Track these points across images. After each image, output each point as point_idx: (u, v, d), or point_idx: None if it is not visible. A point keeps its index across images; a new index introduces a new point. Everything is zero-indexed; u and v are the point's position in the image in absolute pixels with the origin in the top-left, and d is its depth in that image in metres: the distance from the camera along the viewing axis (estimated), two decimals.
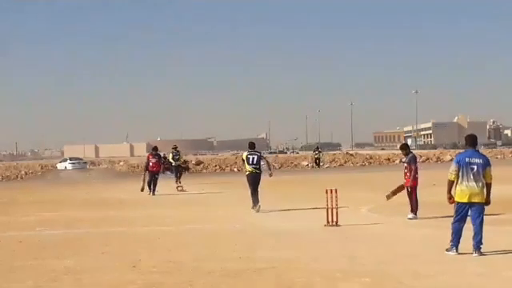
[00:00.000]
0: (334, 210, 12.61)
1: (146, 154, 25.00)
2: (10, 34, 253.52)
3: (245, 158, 16.55)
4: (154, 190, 22.57)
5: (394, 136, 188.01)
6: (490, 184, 9.30)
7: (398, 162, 51.46)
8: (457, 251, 9.23)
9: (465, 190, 9.15)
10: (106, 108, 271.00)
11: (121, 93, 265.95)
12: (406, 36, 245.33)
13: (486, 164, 9.23)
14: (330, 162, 53.04)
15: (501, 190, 20.30)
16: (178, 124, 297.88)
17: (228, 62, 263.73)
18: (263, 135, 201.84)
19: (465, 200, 9.16)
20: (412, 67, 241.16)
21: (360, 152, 75.05)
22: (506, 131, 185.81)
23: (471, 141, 9.39)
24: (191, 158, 58.40)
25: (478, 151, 9.44)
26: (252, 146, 16.76)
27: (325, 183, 17.43)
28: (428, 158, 55.06)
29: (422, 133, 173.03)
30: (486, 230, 11.52)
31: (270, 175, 16.97)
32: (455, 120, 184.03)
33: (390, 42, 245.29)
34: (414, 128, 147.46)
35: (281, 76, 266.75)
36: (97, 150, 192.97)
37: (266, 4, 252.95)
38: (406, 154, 14.09)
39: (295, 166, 50.99)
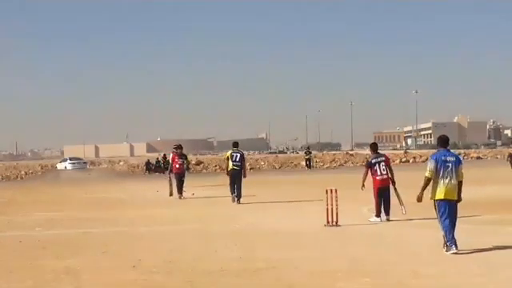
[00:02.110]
0: (334, 210, 12.60)
1: (172, 154, 21.47)
2: (9, 33, 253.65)
3: (229, 156, 18.01)
4: (180, 191, 20.68)
5: (394, 136, 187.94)
6: (462, 182, 9.67)
7: (397, 161, 51.57)
8: (456, 248, 9.29)
9: (442, 188, 9.48)
10: (106, 108, 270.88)
11: (121, 93, 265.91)
12: (406, 36, 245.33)
13: (459, 162, 9.67)
14: (330, 162, 53.10)
15: (500, 191, 20.32)
16: (178, 124, 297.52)
17: (228, 62, 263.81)
18: (263, 135, 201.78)
19: (442, 197, 9.49)
20: (412, 67, 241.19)
21: (360, 152, 75.15)
22: (506, 131, 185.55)
23: (443, 141, 9.85)
24: (191, 158, 58.42)
25: (449, 150, 9.86)
26: (236, 145, 18.25)
27: (325, 183, 17.43)
28: (427, 158, 55.02)
29: (422, 133, 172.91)
30: (486, 230, 11.58)
31: (244, 176, 18.11)
32: (455, 120, 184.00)
33: (390, 42, 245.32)
34: (414, 128, 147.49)
35: (281, 76, 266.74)
36: (97, 150, 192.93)
37: (266, 3, 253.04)
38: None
39: (295, 165, 51.04)
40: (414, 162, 54.54)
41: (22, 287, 8.03)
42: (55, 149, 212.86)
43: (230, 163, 17.95)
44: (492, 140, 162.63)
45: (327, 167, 49.79)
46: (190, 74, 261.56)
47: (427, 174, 9.62)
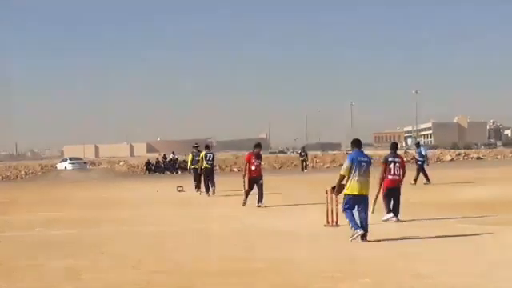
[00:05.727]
0: (334, 210, 12.59)
1: (247, 154, 18.40)
2: (8, 33, 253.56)
3: (203, 156, 21.88)
4: (261, 199, 17.38)
5: (394, 136, 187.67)
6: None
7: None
8: (360, 230, 10.51)
9: (356, 184, 10.70)
10: (106, 108, 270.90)
11: (120, 93, 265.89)
12: (406, 36, 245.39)
13: (370, 162, 11.07)
14: (330, 162, 53.06)
15: (502, 191, 20.29)
16: (177, 124, 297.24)
17: (228, 62, 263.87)
18: (263, 135, 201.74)
19: (356, 192, 10.72)
20: (412, 67, 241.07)
21: None
22: (506, 131, 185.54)
23: (357, 144, 11.14)
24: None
25: (362, 152, 11.12)
26: (207, 147, 22.91)
27: (324, 183, 17.41)
28: (428, 158, 55.06)
29: (422, 133, 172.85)
30: (487, 230, 11.57)
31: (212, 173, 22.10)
32: (455, 120, 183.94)
33: (390, 42, 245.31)
34: (414, 128, 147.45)
35: (281, 76, 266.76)
36: (97, 150, 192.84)
37: (266, 3, 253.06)
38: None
39: (295, 166, 50.97)
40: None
41: (21, 287, 8.02)
42: (55, 149, 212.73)
43: (204, 162, 21.70)
44: (492, 140, 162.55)
45: (327, 167, 49.77)
46: (190, 73, 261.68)
47: (342, 172, 10.81)
